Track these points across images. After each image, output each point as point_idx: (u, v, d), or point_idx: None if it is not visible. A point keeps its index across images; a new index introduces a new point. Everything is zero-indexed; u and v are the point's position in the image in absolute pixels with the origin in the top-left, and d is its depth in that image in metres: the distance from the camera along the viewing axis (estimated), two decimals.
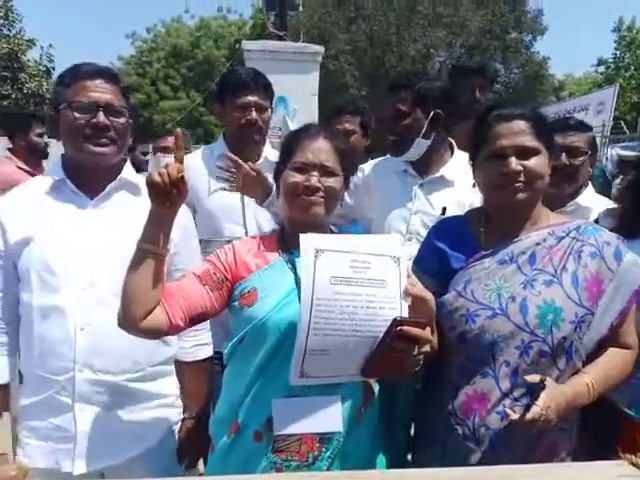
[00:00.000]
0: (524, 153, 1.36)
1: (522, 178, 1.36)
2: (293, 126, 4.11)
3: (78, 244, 1.44)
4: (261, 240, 1.46)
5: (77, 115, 1.43)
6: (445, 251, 1.47)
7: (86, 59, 1.60)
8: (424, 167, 2.00)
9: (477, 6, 16.57)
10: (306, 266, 1.19)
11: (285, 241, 1.44)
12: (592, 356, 1.40)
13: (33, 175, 2.96)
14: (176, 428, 1.63)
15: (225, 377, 1.44)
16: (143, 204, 1.25)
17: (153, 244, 1.24)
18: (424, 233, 1.72)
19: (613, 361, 1.41)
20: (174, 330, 1.32)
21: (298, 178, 1.37)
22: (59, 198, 1.49)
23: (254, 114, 2.13)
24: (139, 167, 3.51)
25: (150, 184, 1.21)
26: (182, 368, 1.66)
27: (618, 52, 21.31)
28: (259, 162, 2.23)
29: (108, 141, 1.47)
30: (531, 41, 18.25)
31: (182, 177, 1.22)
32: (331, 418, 1.30)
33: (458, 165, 1.98)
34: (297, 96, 5.11)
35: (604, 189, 2.24)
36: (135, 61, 25.09)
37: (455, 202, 1.89)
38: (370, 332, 1.21)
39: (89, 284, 1.43)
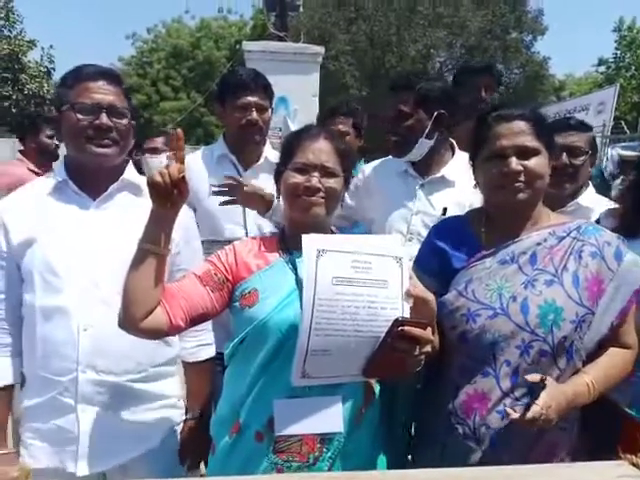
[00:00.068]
0: (524, 153, 1.37)
1: (522, 178, 1.36)
2: (294, 126, 4.12)
3: (81, 245, 1.44)
4: (262, 241, 1.46)
5: (80, 116, 1.44)
6: (446, 251, 1.48)
7: (87, 60, 1.60)
8: (425, 167, 2.00)
9: (477, 6, 16.56)
10: (308, 267, 1.19)
11: (286, 242, 1.44)
12: (592, 356, 1.41)
13: None
14: (178, 429, 1.63)
15: (226, 378, 1.44)
16: (145, 205, 1.25)
17: (154, 244, 1.24)
18: (425, 233, 1.72)
19: (613, 360, 1.41)
20: (175, 330, 1.32)
21: (299, 179, 1.37)
22: (62, 199, 1.49)
23: (254, 114, 2.13)
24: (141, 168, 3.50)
25: (151, 184, 1.21)
26: (184, 368, 1.66)
27: (619, 52, 21.31)
28: (259, 162, 2.24)
29: (110, 142, 1.47)
30: (531, 41, 18.24)
31: (183, 177, 1.22)
32: (332, 419, 1.30)
33: (459, 165, 1.98)
34: (297, 96, 5.12)
35: (602, 190, 2.23)
36: (136, 62, 25.11)
37: (456, 202, 1.89)
38: (371, 332, 1.21)
39: (92, 285, 1.43)
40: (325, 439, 1.30)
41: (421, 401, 1.53)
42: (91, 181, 1.51)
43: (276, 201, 1.93)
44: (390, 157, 2.17)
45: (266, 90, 2.20)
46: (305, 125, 1.52)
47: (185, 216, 1.55)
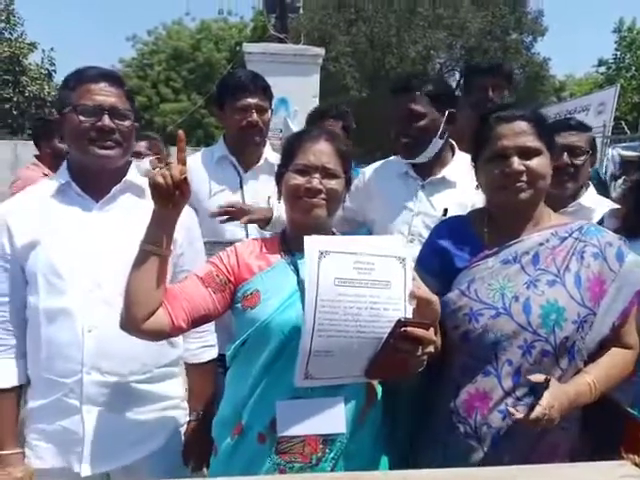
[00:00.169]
0: (526, 153, 1.37)
1: (524, 178, 1.37)
2: (294, 128, 4.12)
3: (84, 247, 1.44)
4: (263, 242, 1.47)
5: (82, 118, 1.44)
6: (448, 251, 1.48)
7: (87, 62, 1.62)
8: (425, 169, 1.99)
9: (477, 7, 16.58)
10: (310, 268, 1.19)
11: (287, 243, 1.44)
12: (593, 356, 1.41)
13: None
14: (182, 430, 1.64)
15: (228, 379, 1.45)
16: (148, 206, 1.25)
17: (156, 245, 1.24)
18: (426, 234, 1.72)
19: (614, 360, 1.42)
20: (177, 332, 1.32)
21: (300, 180, 1.37)
22: (65, 201, 1.49)
23: (254, 116, 2.14)
24: None
25: (153, 185, 1.21)
26: (187, 370, 1.66)
27: (619, 53, 21.31)
28: (259, 164, 2.24)
29: (113, 144, 1.47)
30: (532, 42, 18.27)
31: (185, 178, 1.22)
32: (334, 419, 1.30)
33: (459, 166, 1.98)
34: (298, 98, 5.13)
35: (599, 191, 2.23)
36: (136, 64, 25.13)
37: (457, 203, 1.89)
38: (374, 333, 1.21)
39: (96, 286, 1.43)
40: (327, 440, 1.30)
41: (422, 400, 1.53)
42: (94, 183, 1.51)
43: (276, 214, 1.95)
44: (391, 158, 2.17)
45: (265, 91, 2.20)
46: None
47: (187, 217, 1.55)
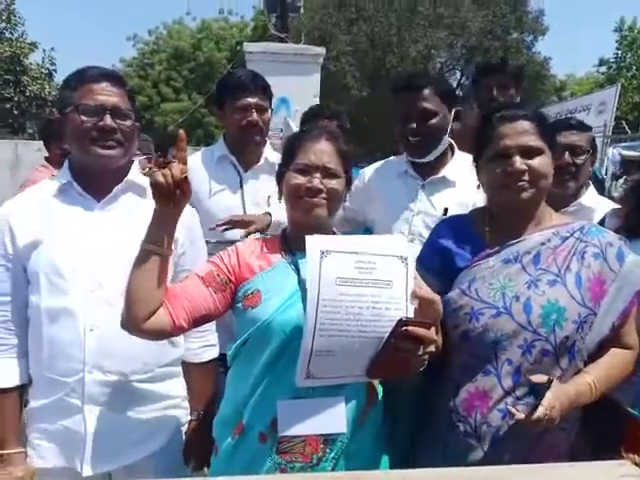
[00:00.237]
0: (528, 153, 1.37)
1: (526, 177, 1.37)
2: (295, 127, 4.12)
3: (86, 246, 1.44)
4: (264, 242, 1.47)
5: (84, 118, 1.44)
6: (450, 250, 1.48)
7: (88, 62, 1.61)
8: (426, 168, 1.99)
9: (478, 7, 16.55)
10: (312, 267, 1.19)
11: (288, 243, 1.44)
12: (593, 356, 1.41)
13: None
14: (183, 429, 1.64)
15: (229, 378, 1.45)
16: (150, 206, 1.25)
17: (157, 245, 1.24)
18: (426, 234, 1.72)
19: (614, 361, 1.42)
20: (177, 331, 1.32)
21: (300, 180, 1.37)
22: (66, 201, 1.49)
23: (255, 115, 2.14)
24: None
25: (153, 184, 1.21)
26: (188, 369, 1.66)
27: (619, 52, 21.26)
28: (259, 163, 2.24)
29: (115, 144, 1.47)
30: (532, 41, 18.23)
31: (185, 177, 1.22)
32: (335, 419, 1.30)
33: (459, 165, 1.98)
34: (299, 97, 5.13)
35: (597, 191, 2.24)
36: (137, 63, 25.12)
37: (457, 203, 1.88)
38: (375, 333, 1.21)
39: (97, 286, 1.43)
40: (328, 440, 1.30)
41: (423, 400, 1.54)
42: (95, 182, 1.51)
43: (274, 219, 1.96)
44: (391, 158, 2.17)
45: (265, 91, 2.20)
46: (300, 127, 1.52)
47: (189, 216, 1.55)
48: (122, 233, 1.46)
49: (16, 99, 16.25)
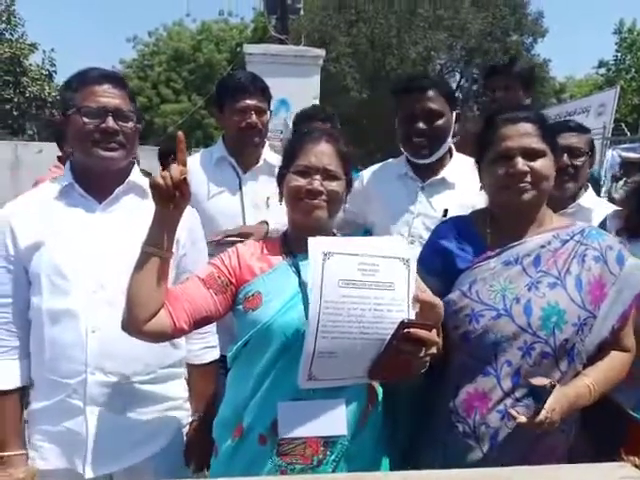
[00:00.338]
0: (530, 155, 1.38)
1: (528, 179, 1.37)
2: None
3: (87, 248, 1.44)
4: (264, 244, 1.47)
5: (86, 120, 1.44)
6: (451, 251, 1.48)
7: (88, 63, 1.60)
8: (425, 170, 1.99)
9: (478, 9, 16.57)
10: (314, 269, 1.19)
11: (288, 245, 1.44)
12: (592, 358, 1.41)
13: None
14: (184, 431, 1.64)
15: (229, 380, 1.44)
16: (151, 207, 1.25)
17: (157, 247, 1.25)
18: (426, 236, 1.72)
19: (612, 363, 1.42)
20: (178, 333, 1.32)
21: (301, 182, 1.37)
22: (68, 202, 1.49)
23: (254, 117, 2.14)
24: None
25: (153, 186, 1.22)
26: (189, 370, 1.66)
27: (619, 54, 21.32)
28: (258, 165, 2.24)
29: (117, 145, 1.48)
30: (532, 43, 18.26)
31: (185, 179, 1.23)
32: (336, 421, 1.30)
33: (458, 167, 1.99)
34: (298, 99, 5.13)
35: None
36: (137, 64, 25.16)
37: (456, 204, 1.88)
38: (377, 334, 1.21)
39: (99, 287, 1.43)
40: (329, 442, 1.30)
41: (422, 401, 1.54)
42: (97, 184, 1.51)
43: (272, 227, 1.97)
44: (390, 160, 2.17)
45: (264, 92, 2.21)
46: (307, 128, 1.52)
47: (190, 217, 1.56)
48: (124, 234, 1.46)
49: (16, 100, 16.26)
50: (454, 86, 18.35)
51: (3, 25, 16.40)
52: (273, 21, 7.63)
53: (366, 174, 2.15)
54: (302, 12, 8.85)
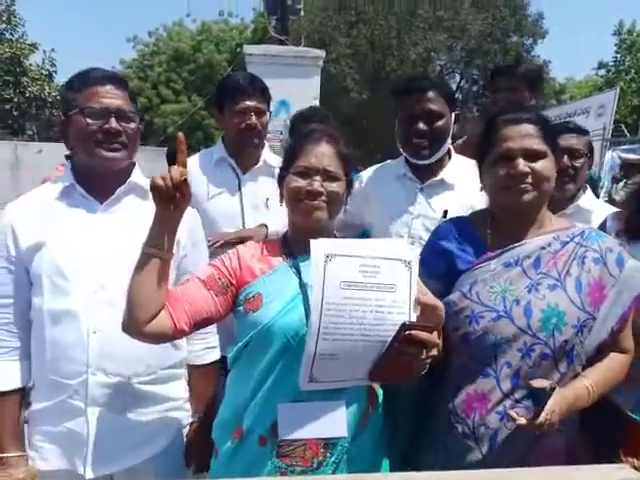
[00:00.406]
0: (531, 156, 1.38)
1: (529, 180, 1.37)
2: None
3: (89, 248, 1.45)
4: (265, 245, 1.47)
5: (89, 121, 1.44)
6: (451, 252, 1.48)
7: (88, 63, 1.60)
8: (424, 171, 1.99)
9: (478, 10, 16.57)
10: (316, 271, 1.19)
11: (289, 246, 1.44)
12: (591, 360, 1.42)
13: None
14: (185, 431, 1.64)
15: (229, 381, 1.44)
16: (152, 207, 1.26)
17: (157, 248, 1.25)
18: (426, 237, 1.72)
19: (611, 365, 1.43)
20: (179, 335, 1.32)
21: (301, 183, 1.37)
22: (69, 203, 1.50)
23: (253, 118, 2.15)
24: None
25: (153, 188, 1.22)
26: (190, 371, 1.66)
27: (619, 55, 21.32)
28: (258, 165, 2.25)
29: (120, 146, 1.48)
30: (532, 44, 18.26)
31: (185, 180, 1.23)
32: (336, 423, 1.30)
33: (457, 168, 1.99)
34: (298, 100, 5.13)
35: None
36: (137, 65, 25.13)
37: (456, 205, 1.88)
38: (379, 336, 1.21)
39: (100, 288, 1.44)
40: (329, 444, 1.30)
41: (422, 402, 1.54)
42: (98, 184, 1.51)
43: (271, 230, 1.98)
44: (388, 161, 2.17)
45: (263, 93, 2.21)
46: (308, 129, 1.52)
47: (191, 218, 1.56)
48: (125, 235, 1.46)
49: (16, 100, 16.27)
50: (454, 87, 18.36)
51: (3, 25, 16.41)
52: (273, 22, 7.63)
53: (365, 175, 2.15)
54: (302, 13, 8.85)
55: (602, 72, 22.72)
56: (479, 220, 1.52)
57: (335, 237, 1.46)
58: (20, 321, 1.47)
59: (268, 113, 2.25)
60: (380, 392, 1.43)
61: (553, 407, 1.26)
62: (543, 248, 1.42)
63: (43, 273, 1.42)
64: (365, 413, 1.36)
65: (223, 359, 1.62)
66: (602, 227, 1.78)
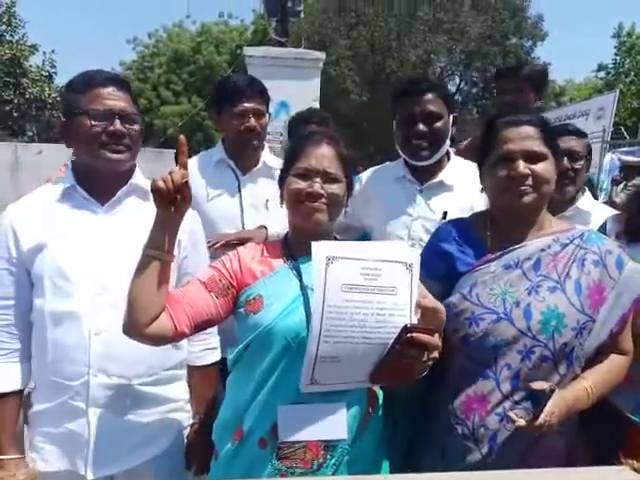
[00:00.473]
0: (532, 158, 1.38)
1: (529, 182, 1.37)
2: None
3: (90, 250, 1.45)
4: (265, 247, 1.47)
5: (94, 122, 1.44)
6: (451, 254, 1.48)
7: (88, 64, 1.60)
8: (423, 173, 1.99)
9: (477, 12, 16.59)
10: (317, 274, 1.19)
11: (289, 248, 1.44)
12: (590, 361, 1.42)
13: None
14: (185, 432, 1.64)
15: (229, 383, 1.44)
16: (153, 209, 1.26)
17: (158, 250, 1.24)
18: (426, 239, 1.72)
19: (610, 366, 1.43)
20: (179, 337, 1.32)
21: (301, 185, 1.37)
22: (70, 204, 1.49)
23: (252, 121, 2.15)
24: None
25: (154, 190, 1.22)
26: (190, 372, 1.66)
27: (618, 58, 21.36)
28: (257, 167, 2.25)
29: (124, 148, 1.48)
30: (531, 47, 18.28)
31: (186, 182, 1.23)
32: (336, 425, 1.30)
33: (456, 170, 1.99)
34: (298, 101, 5.14)
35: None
36: (137, 66, 25.14)
37: (455, 206, 1.89)
38: (380, 339, 1.21)
39: (102, 289, 1.43)
40: (329, 446, 1.30)
41: (421, 404, 1.54)
42: (100, 186, 1.51)
43: (271, 231, 1.98)
44: (387, 163, 2.17)
45: (262, 95, 2.21)
46: (308, 131, 1.52)
47: (191, 219, 1.56)
48: (127, 236, 1.45)
49: (16, 101, 16.28)
50: (454, 89, 18.40)
51: (3, 27, 16.44)
52: (273, 23, 7.64)
53: (364, 176, 2.15)
54: (302, 15, 8.87)
55: (602, 74, 22.77)
56: (479, 222, 1.53)
57: (335, 239, 1.46)
58: (21, 323, 1.47)
59: (267, 114, 2.25)
60: (380, 394, 1.43)
61: (552, 409, 1.26)
62: (543, 250, 1.42)
63: (45, 275, 1.42)
64: (365, 415, 1.36)
65: (223, 361, 1.61)
66: (602, 229, 1.79)
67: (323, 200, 1.36)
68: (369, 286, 1.20)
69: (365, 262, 1.21)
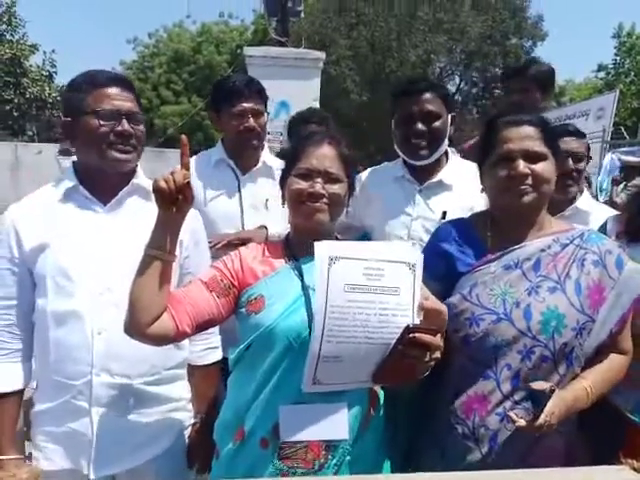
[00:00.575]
0: (532, 158, 1.38)
1: (529, 181, 1.38)
2: None
3: (93, 249, 1.45)
4: (267, 247, 1.47)
5: (102, 122, 1.44)
6: (451, 254, 1.49)
7: (88, 64, 1.60)
8: (422, 172, 1.99)
9: (477, 12, 16.58)
10: (320, 274, 1.19)
11: (291, 248, 1.44)
12: (589, 361, 1.42)
13: None
14: (186, 432, 1.64)
15: (231, 383, 1.45)
16: (155, 209, 1.26)
17: (160, 250, 1.25)
18: (426, 238, 1.72)
19: (610, 366, 1.43)
20: (181, 337, 1.32)
21: (302, 185, 1.37)
22: (72, 204, 1.50)
23: (251, 121, 2.15)
24: None
25: (156, 190, 1.22)
26: (192, 371, 1.67)
27: (618, 58, 21.35)
28: (257, 167, 2.25)
29: (131, 148, 1.49)
30: (531, 47, 18.26)
31: (188, 183, 1.23)
32: (337, 425, 1.30)
33: (455, 169, 2.00)
34: (299, 101, 5.15)
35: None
36: (137, 66, 25.13)
37: (455, 206, 1.89)
38: (382, 339, 1.21)
39: (105, 289, 1.44)
40: (330, 446, 1.30)
41: (421, 404, 1.54)
42: (102, 186, 1.51)
43: (271, 232, 1.98)
44: (386, 163, 2.17)
45: (260, 95, 2.21)
46: (309, 131, 1.52)
47: (193, 219, 1.56)
48: (129, 236, 1.45)
49: (16, 101, 16.27)
50: (454, 89, 18.39)
51: (4, 26, 16.42)
52: (273, 23, 7.65)
53: (363, 176, 2.15)
54: (302, 15, 8.87)
55: (602, 74, 22.76)
56: (479, 222, 1.53)
57: (337, 239, 1.46)
58: (23, 323, 1.47)
59: (266, 114, 2.25)
60: (382, 394, 1.43)
61: (552, 409, 1.26)
62: (543, 250, 1.42)
63: (47, 274, 1.42)
64: (367, 415, 1.36)
65: (224, 360, 1.62)
66: (602, 229, 1.79)
67: (324, 200, 1.36)
68: (372, 286, 1.20)
69: (368, 262, 1.21)
